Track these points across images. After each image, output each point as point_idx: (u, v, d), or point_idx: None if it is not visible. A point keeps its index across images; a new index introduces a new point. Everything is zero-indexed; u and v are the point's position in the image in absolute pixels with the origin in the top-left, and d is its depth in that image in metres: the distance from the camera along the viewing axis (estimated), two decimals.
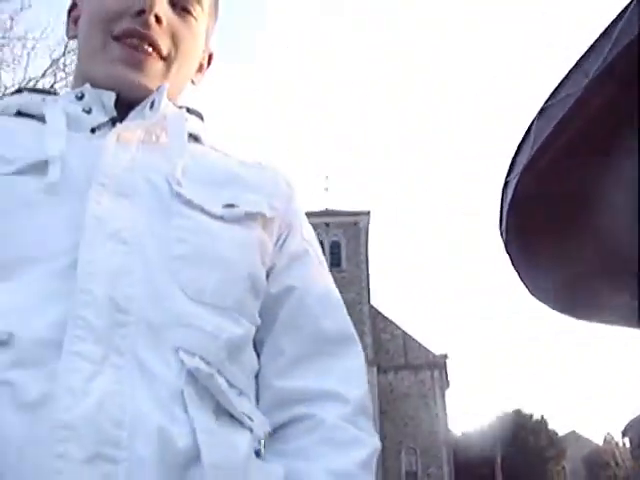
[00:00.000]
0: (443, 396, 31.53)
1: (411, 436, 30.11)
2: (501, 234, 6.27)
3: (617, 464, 35.86)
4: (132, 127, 0.70)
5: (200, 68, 0.85)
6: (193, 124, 0.79)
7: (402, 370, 31.69)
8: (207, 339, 0.60)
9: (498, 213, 5.95)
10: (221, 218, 0.68)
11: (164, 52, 0.74)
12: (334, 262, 33.70)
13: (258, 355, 0.71)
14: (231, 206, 0.69)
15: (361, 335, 31.28)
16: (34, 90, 0.80)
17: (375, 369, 30.02)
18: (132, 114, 0.72)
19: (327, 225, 34.64)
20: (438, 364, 32.17)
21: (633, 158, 4.55)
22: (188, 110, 0.81)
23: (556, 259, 6.25)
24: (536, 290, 7.41)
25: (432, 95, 72.97)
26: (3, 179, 0.63)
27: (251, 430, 0.61)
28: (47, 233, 0.60)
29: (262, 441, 0.64)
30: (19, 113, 0.73)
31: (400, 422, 30.10)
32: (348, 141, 70.32)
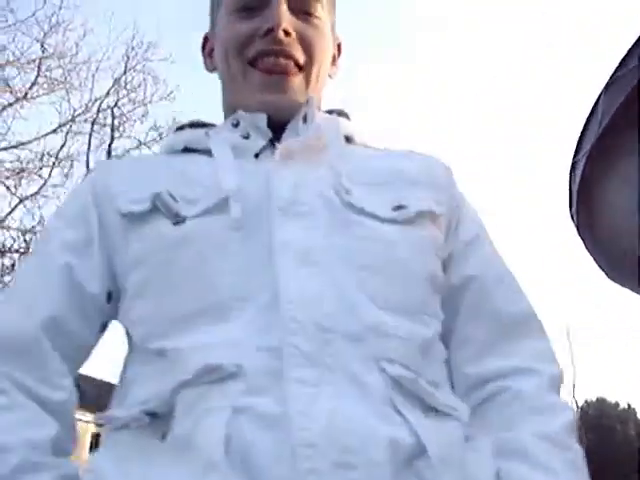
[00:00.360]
0: None
1: None
2: (572, 217, 6.07)
3: None
4: (291, 145, 0.72)
5: (333, 60, 0.86)
6: (345, 126, 0.79)
7: None
8: (403, 346, 0.62)
9: (567, 196, 5.77)
10: (394, 221, 0.68)
11: (300, 61, 0.76)
12: None
13: (445, 343, 0.72)
14: (401, 207, 0.69)
15: None
16: (193, 125, 0.81)
17: None
18: (287, 132, 0.74)
19: None
20: None
21: None
22: (335, 112, 0.82)
23: (635, 239, 5.98)
24: (614, 273, 7.13)
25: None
26: (192, 222, 0.66)
27: (458, 419, 0.63)
28: (246, 273, 0.63)
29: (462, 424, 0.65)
30: (185, 149, 0.76)
31: None
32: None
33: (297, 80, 0.76)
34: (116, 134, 14.31)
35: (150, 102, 14.44)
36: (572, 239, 6.62)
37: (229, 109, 0.79)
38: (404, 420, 0.58)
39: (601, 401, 35.23)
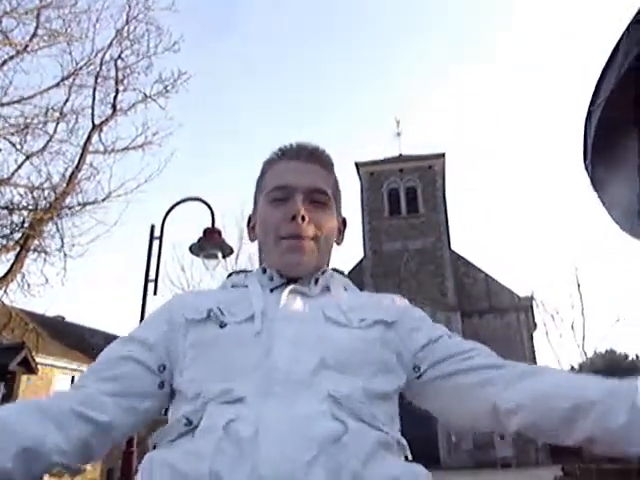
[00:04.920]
0: (531, 338, 30.97)
1: None
2: (586, 168, 5.88)
3: None
4: (298, 288, 1.13)
5: (339, 232, 1.26)
6: (343, 281, 1.22)
7: (487, 314, 31.30)
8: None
9: (582, 146, 5.57)
10: (357, 327, 1.07)
11: (312, 235, 1.14)
12: (411, 208, 33.41)
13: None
14: (363, 320, 1.08)
15: (442, 281, 31.08)
16: (238, 272, 1.25)
17: (459, 314, 29.87)
18: (301, 281, 1.14)
19: (401, 171, 34.19)
20: (523, 306, 31.56)
21: None
22: (335, 270, 1.24)
23: None
24: (627, 228, 6.98)
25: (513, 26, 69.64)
26: (232, 327, 1.06)
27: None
28: (257, 357, 0.99)
29: (392, 442, 0.98)
30: (232, 286, 1.20)
31: None
32: (419, 82, 68.38)
33: (310, 245, 1.14)
34: (120, 87, 14.00)
35: (154, 54, 14.07)
36: (585, 188, 6.42)
37: (264, 262, 1.20)
38: (340, 422, 0.92)
39: (610, 353, 35.48)
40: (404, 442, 1.01)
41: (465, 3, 62.88)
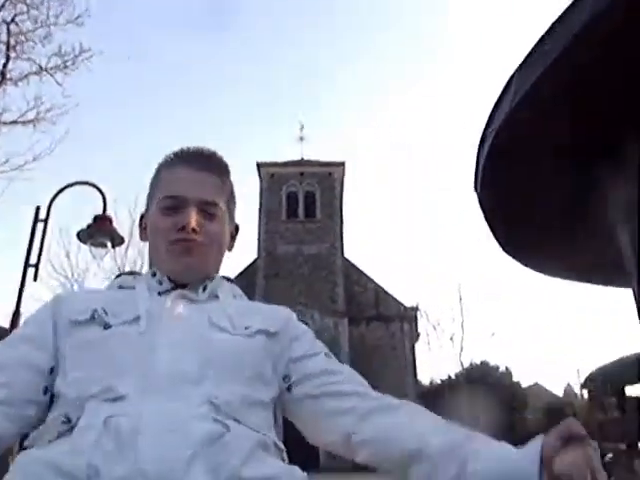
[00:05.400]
0: (413, 348, 32.15)
1: (380, 387, 30.68)
2: (475, 189, 6.26)
3: (575, 414, 37.24)
4: (185, 293, 1.14)
5: (231, 239, 1.26)
6: (232, 288, 1.25)
7: (373, 322, 32.14)
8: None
9: (474, 168, 5.93)
10: (240, 334, 1.09)
11: (202, 244, 1.14)
12: (308, 213, 33.72)
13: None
14: (247, 328, 1.11)
15: (333, 287, 31.55)
16: (127, 273, 1.27)
17: (346, 321, 30.40)
18: (189, 287, 1.15)
19: (302, 175, 34.46)
20: (408, 316, 32.69)
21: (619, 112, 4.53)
22: (225, 278, 1.26)
23: (530, 216, 6.28)
24: (508, 245, 7.49)
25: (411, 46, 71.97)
26: (116, 328, 1.06)
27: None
28: (139, 357, 1.00)
29: (269, 443, 1.02)
30: (120, 287, 1.20)
31: (370, 372, 30.60)
32: (325, 90, 69.26)
33: (200, 254, 1.15)
34: (12, 54, 12.96)
35: (55, 24, 13.16)
36: (472, 207, 6.80)
37: (153, 265, 1.20)
38: (222, 424, 0.94)
39: (484, 364, 37.51)
40: (282, 446, 1.04)
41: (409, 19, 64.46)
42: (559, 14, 3.79)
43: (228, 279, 1.27)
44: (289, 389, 1.12)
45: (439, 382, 37.42)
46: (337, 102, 67.84)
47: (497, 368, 37.87)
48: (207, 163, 1.19)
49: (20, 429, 1.01)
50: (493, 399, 34.11)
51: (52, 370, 1.06)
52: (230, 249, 1.26)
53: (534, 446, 0.84)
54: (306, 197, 34.18)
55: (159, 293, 1.14)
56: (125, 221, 22.10)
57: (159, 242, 1.16)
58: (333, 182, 34.65)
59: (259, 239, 33.12)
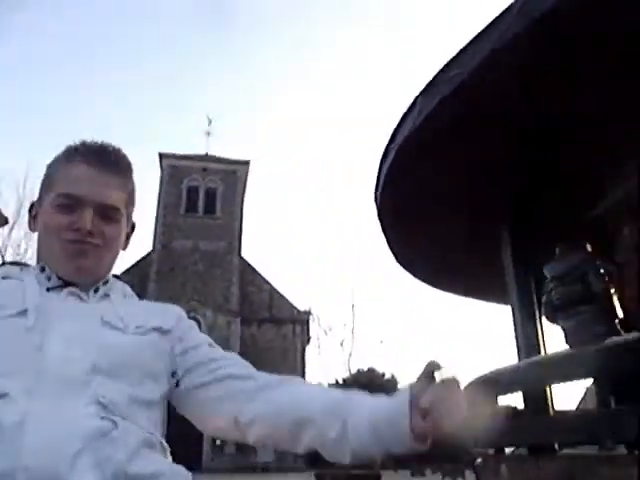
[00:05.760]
0: (303, 350, 32.52)
1: None
2: (375, 200, 6.45)
3: None
4: (77, 292, 1.10)
5: (127, 238, 1.23)
6: (122, 288, 1.22)
7: (266, 323, 32.23)
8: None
9: (375, 179, 6.11)
10: (132, 332, 1.09)
11: (97, 245, 1.11)
12: (209, 209, 33.29)
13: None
14: (140, 327, 1.10)
15: (228, 286, 31.30)
16: (12, 263, 1.22)
17: (239, 320, 30.29)
18: (80, 287, 1.11)
19: (205, 170, 34.00)
20: (300, 320, 33.06)
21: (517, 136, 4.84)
22: (115, 276, 1.22)
23: (426, 232, 6.55)
24: (403, 259, 7.77)
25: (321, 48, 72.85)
26: (2, 321, 1.00)
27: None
28: (26, 354, 0.97)
29: (155, 441, 1.02)
30: (4, 277, 1.13)
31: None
32: (239, 87, 68.73)
33: (93, 256, 1.11)
34: None
35: None
36: (369, 216, 6.98)
37: (42, 260, 1.14)
38: (109, 420, 0.94)
39: (371, 370, 38.56)
40: (166, 445, 1.05)
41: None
42: (465, 43, 4.01)
43: (117, 277, 1.24)
44: (177, 384, 1.13)
45: (327, 386, 37.92)
46: (253, 103, 67.57)
47: (383, 375, 39.03)
48: (109, 163, 1.14)
49: None
50: None
51: None
52: (124, 248, 1.23)
53: (404, 390, 0.94)
54: (207, 193, 33.73)
55: (48, 289, 1.10)
56: (10, 200, 20.88)
57: (52, 239, 1.11)
58: (236, 180, 34.42)
59: (155, 232, 32.31)
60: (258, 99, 66.79)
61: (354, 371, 36.21)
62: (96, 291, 1.14)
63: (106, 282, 1.17)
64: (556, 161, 5.02)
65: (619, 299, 4.18)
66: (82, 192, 1.10)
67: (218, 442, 28.05)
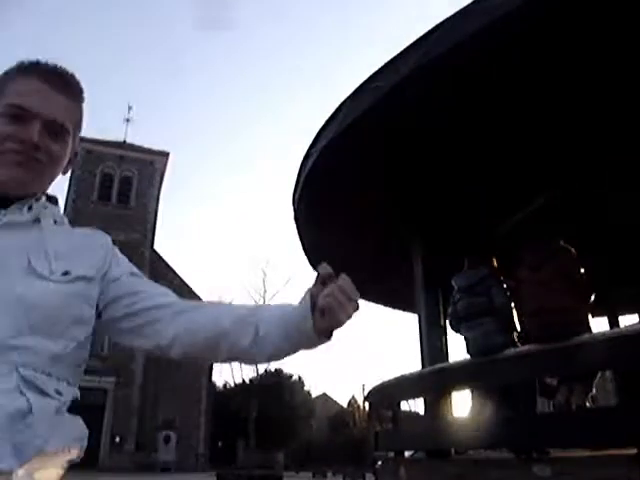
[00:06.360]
0: None
1: (175, 387, 30.48)
2: (293, 203, 6.50)
3: (355, 424, 39.75)
4: (10, 221, 1.08)
5: (69, 163, 1.21)
6: (54, 209, 1.18)
7: None
8: (35, 356, 1.01)
9: (294, 182, 6.16)
10: (58, 281, 1.06)
11: (40, 160, 1.10)
12: (122, 199, 32.35)
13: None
14: (67, 273, 1.08)
15: None
16: None
17: None
18: (14, 206, 1.09)
19: (121, 158, 33.00)
20: None
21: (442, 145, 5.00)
22: (49, 198, 1.19)
23: (340, 238, 6.66)
24: (317, 262, 7.80)
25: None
26: None
27: (58, 400, 1.02)
28: None
29: (66, 402, 1.05)
30: None
31: (168, 372, 30.25)
32: (161, 77, 67.13)
33: (36, 169, 1.10)
34: None
35: None
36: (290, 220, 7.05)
37: None
38: (26, 399, 0.96)
39: (278, 372, 38.69)
40: (77, 394, 1.09)
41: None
42: (390, 58, 4.12)
43: (51, 198, 1.21)
44: (99, 316, 1.15)
45: (233, 385, 37.80)
46: (180, 95, 66.13)
47: (290, 377, 39.21)
48: (64, 84, 1.15)
49: None
50: (284, 405, 35.30)
51: None
52: (64, 173, 1.22)
53: (305, 295, 1.02)
54: (122, 182, 32.76)
55: None
56: None
57: None
58: (154, 171, 33.64)
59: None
60: (182, 92, 65.54)
61: (261, 372, 36.20)
62: (29, 209, 1.11)
63: (38, 199, 1.14)
64: (466, 180, 5.24)
65: (517, 314, 4.40)
66: (34, 106, 1.10)
67: (117, 439, 27.28)
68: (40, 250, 1.08)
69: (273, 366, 37.26)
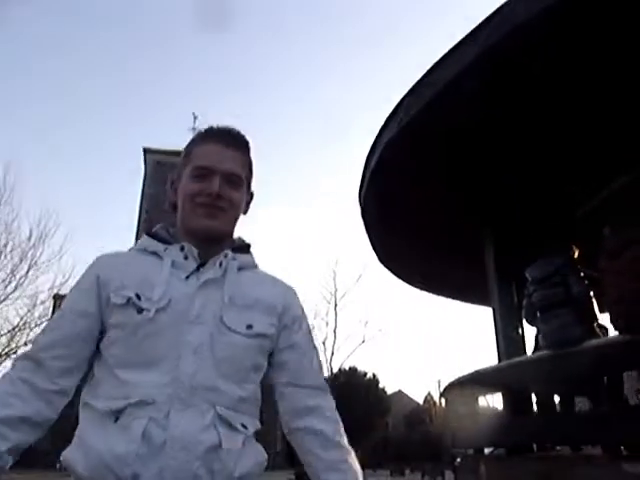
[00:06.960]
0: None
1: None
2: (359, 200, 6.46)
3: (432, 421, 39.23)
4: (208, 279, 1.29)
5: (247, 204, 1.43)
6: (242, 258, 1.38)
7: None
8: (227, 397, 1.22)
9: (360, 179, 6.12)
10: (244, 334, 1.27)
11: (224, 207, 1.32)
12: None
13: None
14: (250, 327, 1.28)
15: None
16: (156, 235, 1.38)
17: None
18: (208, 266, 1.30)
19: None
20: None
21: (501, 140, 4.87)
22: (239, 246, 1.41)
23: (413, 232, 6.57)
24: (387, 258, 7.78)
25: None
26: (148, 315, 1.22)
27: (245, 434, 1.24)
28: (168, 348, 1.20)
29: (250, 434, 1.26)
30: (144, 249, 1.35)
31: None
32: (227, 87, 68.26)
33: (222, 215, 1.33)
34: None
35: None
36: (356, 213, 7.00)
37: (181, 232, 1.36)
38: (217, 432, 1.17)
39: (352, 370, 38.67)
40: (259, 425, 1.31)
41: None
42: (450, 47, 4.04)
43: (242, 248, 1.42)
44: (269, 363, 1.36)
45: None
46: (245, 100, 67.21)
47: (365, 374, 39.13)
48: (234, 140, 1.39)
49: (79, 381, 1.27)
50: (359, 403, 35.21)
51: (101, 332, 1.27)
52: (245, 212, 1.44)
53: None
54: None
55: (187, 277, 1.29)
56: None
57: (187, 204, 1.34)
58: None
59: (138, 228, 32.09)
60: (246, 99, 66.44)
61: (335, 370, 36.27)
62: (220, 265, 1.31)
63: (226, 255, 1.34)
64: (542, 160, 5.07)
65: (598, 303, 4.22)
66: (212, 163, 1.33)
67: None
68: (230, 304, 1.28)
69: (347, 364, 37.35)
